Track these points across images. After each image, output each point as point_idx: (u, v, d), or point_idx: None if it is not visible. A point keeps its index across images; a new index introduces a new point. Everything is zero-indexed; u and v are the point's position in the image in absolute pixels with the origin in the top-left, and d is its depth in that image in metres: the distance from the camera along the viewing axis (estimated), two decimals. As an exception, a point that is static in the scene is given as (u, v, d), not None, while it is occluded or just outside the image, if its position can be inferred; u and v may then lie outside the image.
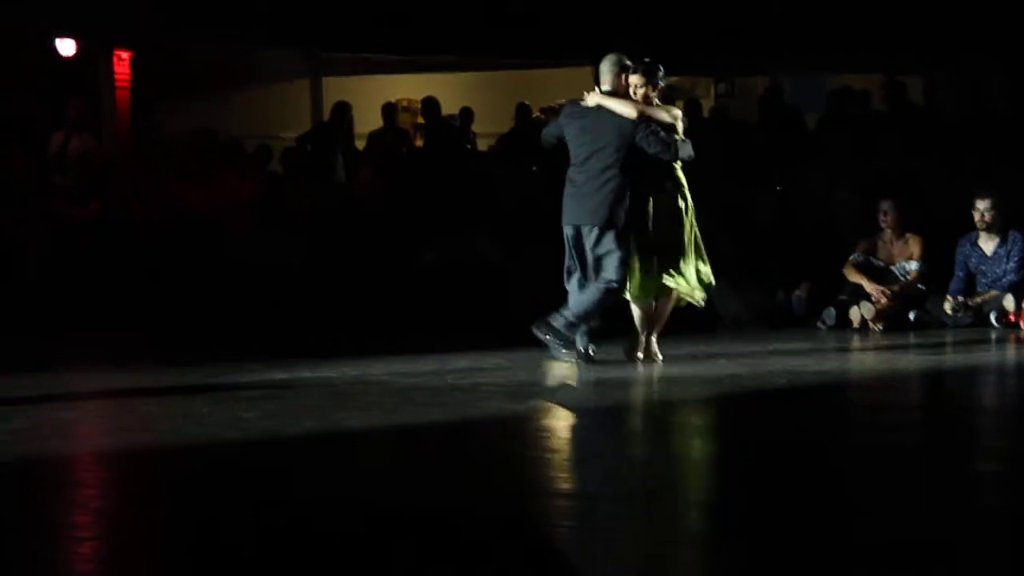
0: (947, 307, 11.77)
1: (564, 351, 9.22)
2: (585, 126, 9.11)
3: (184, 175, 13.97)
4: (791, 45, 16.22)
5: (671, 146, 8.95)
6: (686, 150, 9.02)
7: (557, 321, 9.13)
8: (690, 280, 9.11)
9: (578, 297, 9.17)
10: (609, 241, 9.04)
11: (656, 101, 9.15)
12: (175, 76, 15.71)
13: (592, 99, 9.10)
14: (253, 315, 11.93)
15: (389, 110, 15.22)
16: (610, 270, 9.05)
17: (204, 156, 14.17)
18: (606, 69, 9.19)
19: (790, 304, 12.20)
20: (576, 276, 9.24)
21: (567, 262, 9.29)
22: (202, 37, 15.24)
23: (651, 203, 9.06)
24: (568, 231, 9.20)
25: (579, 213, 9.11)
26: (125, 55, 15.33)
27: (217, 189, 13.71)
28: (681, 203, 9.04)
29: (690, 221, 9.09)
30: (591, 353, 9.27)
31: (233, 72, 16.52)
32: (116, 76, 15.28)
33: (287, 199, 13.65)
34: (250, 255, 12.87)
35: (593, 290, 9.09)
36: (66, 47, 15.06)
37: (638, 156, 8.98)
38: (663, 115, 9.06)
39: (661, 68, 9.13)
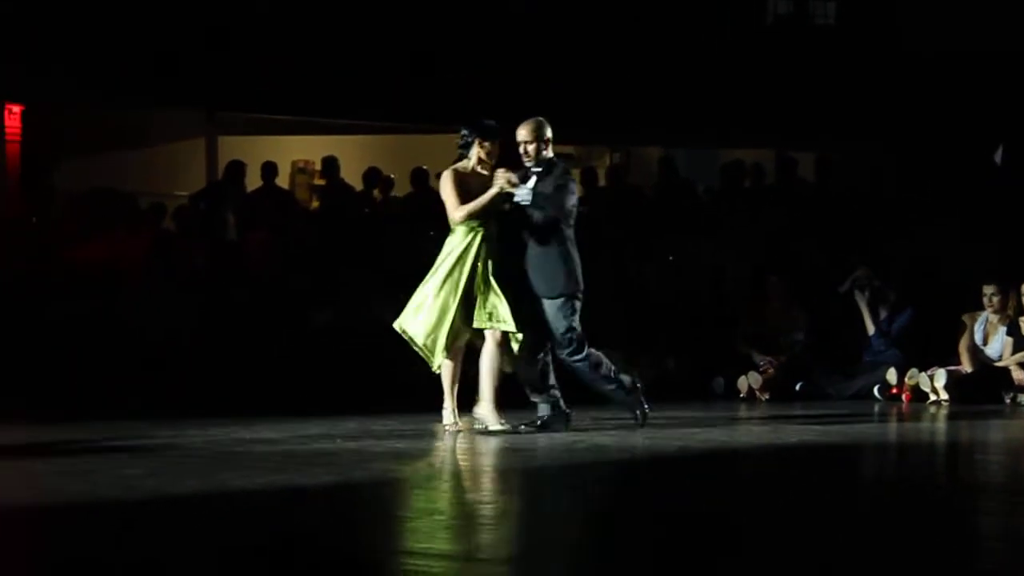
0: None
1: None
2: None
3: (76, 231, 13.79)
4: (686, 118, 16.49)
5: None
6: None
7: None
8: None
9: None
10: None
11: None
12: (69, 131, 15.54)
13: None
14: (142, 374, 11.78)
15: (268, 170, 15.05)
16: None
17: (97, 212, 13.99)
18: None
19: (680, 372, 12.31)
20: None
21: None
22: (97, 95, 15.10)
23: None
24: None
25: None
26: (16, 108, 15.13)
27: (109, 246, 13.54)
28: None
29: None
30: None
31: (128, 128, 16.38)
32: (7, 129, 15.07)
33: (178, 258, 13.51)
34: (141, 314, 12.72)
35: None
36: (-48, 99, 14.85)
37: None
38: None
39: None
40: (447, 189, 9.16)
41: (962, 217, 13.70)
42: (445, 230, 9.36)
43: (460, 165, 9.23)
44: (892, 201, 14.56)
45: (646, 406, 9.40)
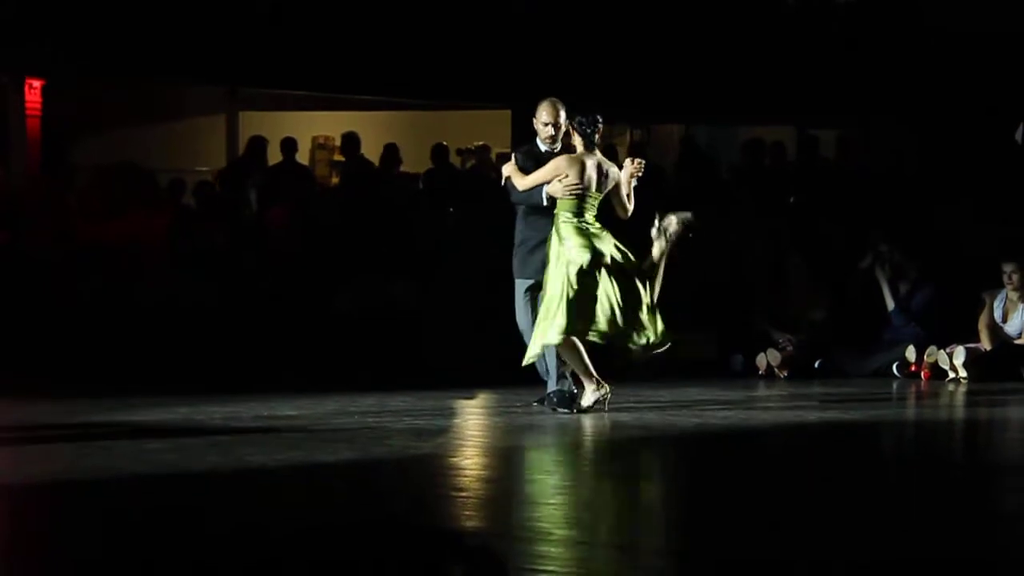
0: None
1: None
2: None
3: (96, 208, 13.80)
4: (707, 96, 16.43)
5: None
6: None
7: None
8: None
9: None
10: None
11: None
12: (89, 106, 15.56)
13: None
14: (162, 351, 11.82)
15: (288, 145, 14.98)
16: None
17: (117, 189, 14.00)
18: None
19: (699, 350, 12.29)
20: None
21: None
22: (117, 70, 15.11)
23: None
24: None
25: None
26: (37, 84, 15.16)
27: (129, 223, 13.56)
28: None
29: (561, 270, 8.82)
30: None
31: (149, 104, 16.40)
32: (27, 104, 15.09)
33: (199, 235, 13.53)
34: (161, 291, 12.75)
35: None
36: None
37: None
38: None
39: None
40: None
41: (983, 195, 13.64)
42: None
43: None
44: (913, 179, 14.50)
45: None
